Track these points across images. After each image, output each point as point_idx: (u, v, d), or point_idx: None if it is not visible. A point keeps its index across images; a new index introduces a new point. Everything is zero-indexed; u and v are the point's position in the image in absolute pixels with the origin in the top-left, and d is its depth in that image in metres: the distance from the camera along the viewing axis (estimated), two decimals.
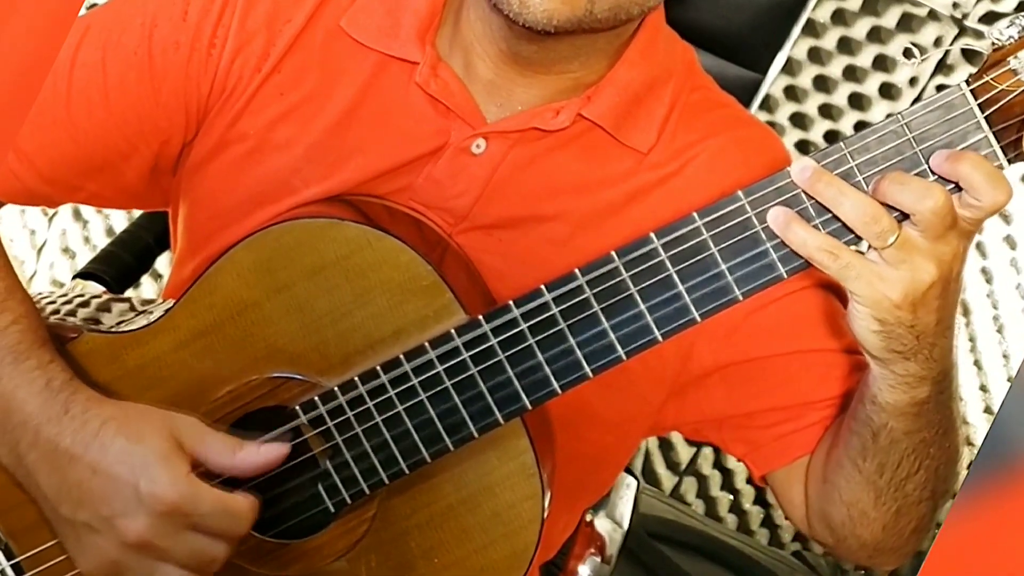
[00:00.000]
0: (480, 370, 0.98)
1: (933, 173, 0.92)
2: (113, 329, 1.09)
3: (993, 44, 0.91)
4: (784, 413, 1.14)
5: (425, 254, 1.01)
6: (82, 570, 1.02)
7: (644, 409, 1.17)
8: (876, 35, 2.12)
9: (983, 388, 2.10)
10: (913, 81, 2.10)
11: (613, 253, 0.96)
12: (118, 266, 1.54)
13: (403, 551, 1.05)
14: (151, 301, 1.18)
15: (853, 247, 0.93)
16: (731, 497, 2.21)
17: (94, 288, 1.50)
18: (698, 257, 0.95)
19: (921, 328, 0.95)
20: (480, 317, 0.98)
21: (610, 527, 1.65)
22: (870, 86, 2.13)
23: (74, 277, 1.53)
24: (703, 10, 1.80)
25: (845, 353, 1.12)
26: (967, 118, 0.91)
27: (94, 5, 1.30)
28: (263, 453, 1.01)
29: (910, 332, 0.95)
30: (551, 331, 0.97)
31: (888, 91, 2.12)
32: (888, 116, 0.93)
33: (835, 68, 2.13)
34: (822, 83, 2.14)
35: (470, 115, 1.11)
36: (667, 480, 2.22)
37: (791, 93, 2.14)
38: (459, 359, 0.99)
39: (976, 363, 2.10)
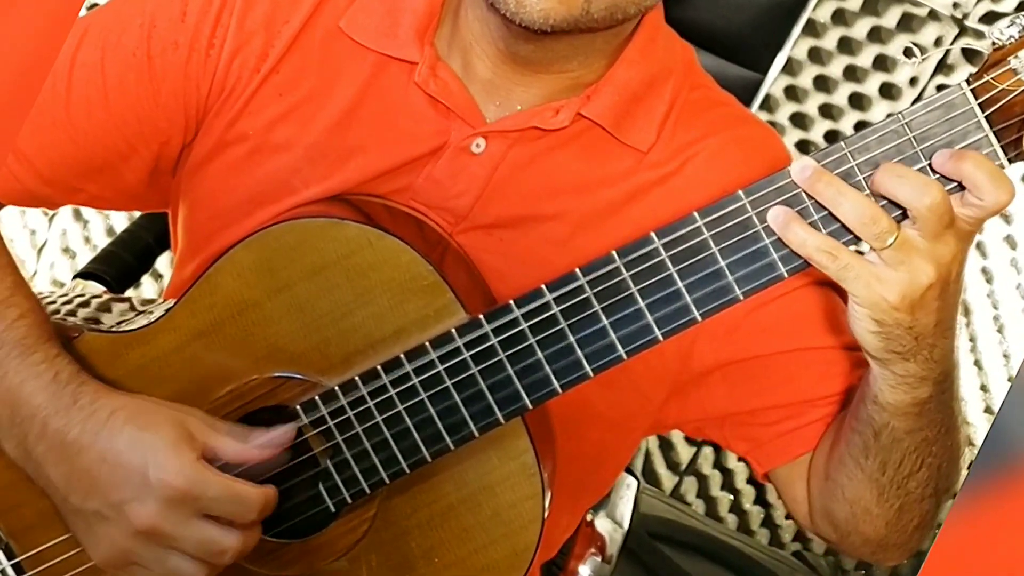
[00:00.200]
0: (481, 369, 0.99)
1: (934, 172, 0.92)
2: (113, 329, 1.09)
3: (993, 44, 0.91)
4: (786, 410, 1.14)
5: (426, 254, 1.01)
6: (94, 560, 1.03)
7: (645, 408, 1.17)
8: (876, 35, 2.12)
9: (983, 388, 2.10)
10: (913, 81, 2.10)
11: (614, 253, 0.96)
12: (118, 266, 1.54)
13: (404, 550, 1.05)
14: (151, 301, 1.18)
15: (853, 247, 0.93)
16: (731, 497, 2.21)
17: (94, 288, 1.50)
18: (698, 256, 0.95)
19: (920, 329, 0.95)
20: (481, 317, 0.98)
21: (611, 527, 1.65)
22: (870, 86, 2.13)
23: (74, 277, 1.53)
24: (703, 10, 1.80)
25: (846, 350, 1.12)
26: (967, 117, 0.91)
27: (94, 5, 1.30)
28: (272, 437, 1.01)
29: (909, 333, 0.95)
30: (552, 330, 0.97)
31: (888, 91, 2.12)
32: (888, 116, 0.93)
33: (835, 68, 2.13)
34: (822, 83, 2.13)
35: (469, 115, 1.11)
36: (667, 480, 2.21)
37: (791, 93, 2.14)
38: (460, 359, 0.99)
39: (976, 363, 2.10)
